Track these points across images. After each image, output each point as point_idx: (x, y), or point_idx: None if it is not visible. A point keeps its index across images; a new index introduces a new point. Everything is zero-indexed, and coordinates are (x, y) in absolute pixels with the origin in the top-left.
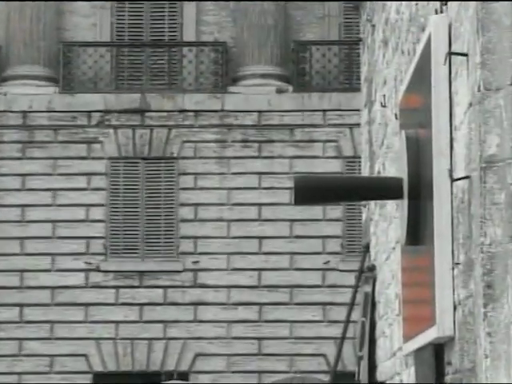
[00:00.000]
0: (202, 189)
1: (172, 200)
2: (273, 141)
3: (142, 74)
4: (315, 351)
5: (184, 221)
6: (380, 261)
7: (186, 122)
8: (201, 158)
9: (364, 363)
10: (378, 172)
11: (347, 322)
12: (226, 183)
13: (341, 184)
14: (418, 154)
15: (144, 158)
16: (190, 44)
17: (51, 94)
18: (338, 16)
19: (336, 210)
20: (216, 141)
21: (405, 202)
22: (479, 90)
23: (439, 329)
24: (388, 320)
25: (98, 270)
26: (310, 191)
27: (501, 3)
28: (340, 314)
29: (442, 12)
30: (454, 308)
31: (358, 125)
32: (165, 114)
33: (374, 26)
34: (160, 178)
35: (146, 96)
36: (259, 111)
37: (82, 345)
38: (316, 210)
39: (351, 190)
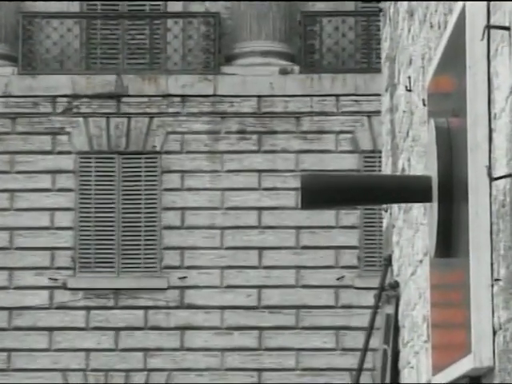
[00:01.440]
0: (190, 189)
1: (154, 203)
2: (275, 132)
3: (118, 52)
4: None
5: (168, 228)
6: (404, 276)
7: (171, 110)
8: (189, 152)
9: None
10: (403, 169)
11: (365, 350)
12: (218, 183)
13: (357, 184)
14: (450, 147)
15: (120, 153)
16: (175, 15)
17: (8, 75)
18: None
19: (351, 216)
20: (207, 132)
21: (434, 205)
22: None
23: (476, 358)
24: (414, 348)
25: (64, 287)
26: (321, 192)
27: None
28: (356, 340)
29: None
30: (494, 333)
31: (378, 112)
32: (145, 99)
33: None
34: (140, 176)
35: (122, 78)
36: (259, 96)
37: (45, 377)
38: (327, 216)
39: (370, 190)
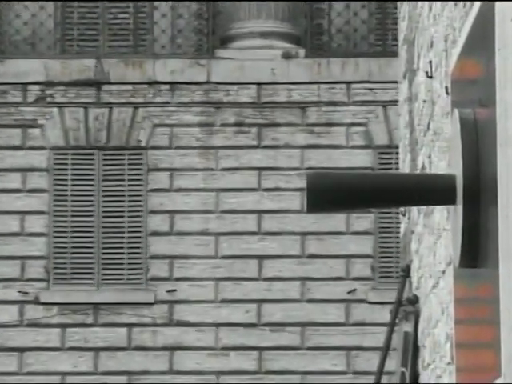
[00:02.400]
0: (180, 190)
1: (139, 206)
2: (277, 124)
3: (98, 33)
4: None
5: (155, 234)
6: (425, 290)
7: (159, 99)
8: (178, 147)
9: None
10: (423, 167)
11: (380, 373)
12: (213, 182)
13: (371, 184)
14: (477, 142)
15: (100, 149)
16: None
17: None
18: None
19: (364, 220)
20: (199, 124)
21: (459, 208)
22: None
23: (506, 381)
24: (436, 370)
25: (36, 301)
26: (329, 193)
27: None
28: (370, 362)
29: None
30: None
31: (395, 102)
32: (129, 87)
33: None
34: (123, 175)
35: (102, 63)
36: (259, 84)
37: None
38: (337, 220)
39: (385, 191)
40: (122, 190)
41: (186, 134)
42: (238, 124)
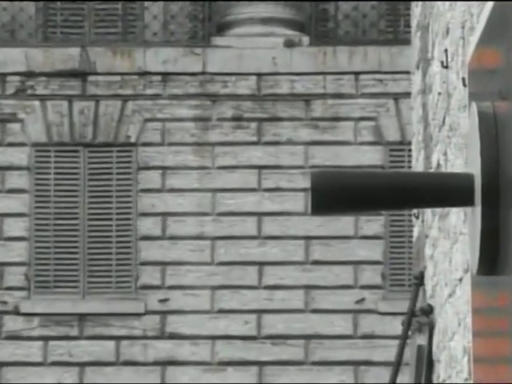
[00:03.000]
0: (173, 190)
1: (128, 207)
2: (279, 119)
3: (84, 19)
4: None
5: (146, 238)
6: (440, 299)
7: (150, 91)
8: (171, 144)
9: None
10: (438, 165)
11: None
12: (209, 182)
13: (381, 183)
14: (497, 138)
15: (86, 145)
16: None
17: None
18: None
19: (374, 223)
20: (194, 119)
21: (477, 210)
22: None
23: None
24: None
25: (16, 312)
26: (336, 194)
27: None
28: (380, 378)
29: None
30: None
31: (408, 95)
32: (117, 78)
33: None
34: (110, 174)
35: (88, 52)
36: (259, 74)
37: None
38: (344, 223)
39: (397, 192)
40: (110, 191)
41: (179, 130)
42: (237, 118)
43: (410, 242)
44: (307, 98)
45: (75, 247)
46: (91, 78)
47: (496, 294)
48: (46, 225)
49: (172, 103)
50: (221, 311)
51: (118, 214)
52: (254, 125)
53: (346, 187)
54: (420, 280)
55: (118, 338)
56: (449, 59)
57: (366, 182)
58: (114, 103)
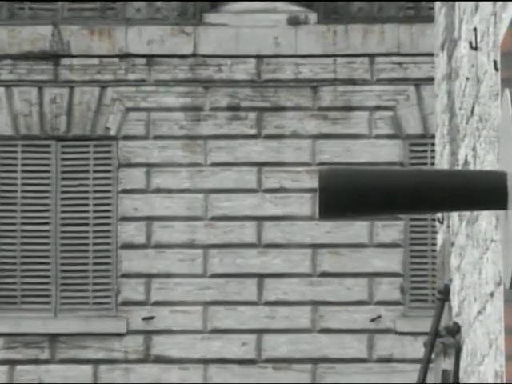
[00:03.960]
0: (159, 191)
1: (107, 211)
2: (282, 108)
3: None
4: None
5: (128, 247)
6: (468, 316)
7: (132, 76)
8: (158, 137)
9: None
10: (465, 162)
11: None
12: (201, 182)
13: (400, 183)
14: None
15: (59, 139)
16: None
17: None
18: None
19: (392, 229)
20: (184, 108)
21: (511, 213)
22: None
23: None
24: None
25: None
26: (347, 196)
27: None
28: None
29: None
30: None
31: (431, 81)
32: (95, 61)
33: None
34: (87, 172)
35: (61, 31)
36: (258, 57)
37: None
38: (357, 229)
39: (418, 193)
40: (86, 192)
41: (166, 121)
42: (233, 108)
43: (434, 250)
44: (315, 85)
45: (46, 257)
46: (64, 61)
47: None
48: (12, 231)
49: (158, 90)
50: (214, 331)
51: (95, 218)
52: (252, 115)
53: (360, 187)
54: (445, 295)
55: (95, 362)
56: (478, 39)
57: (382, 181)
58: (90, 90)
